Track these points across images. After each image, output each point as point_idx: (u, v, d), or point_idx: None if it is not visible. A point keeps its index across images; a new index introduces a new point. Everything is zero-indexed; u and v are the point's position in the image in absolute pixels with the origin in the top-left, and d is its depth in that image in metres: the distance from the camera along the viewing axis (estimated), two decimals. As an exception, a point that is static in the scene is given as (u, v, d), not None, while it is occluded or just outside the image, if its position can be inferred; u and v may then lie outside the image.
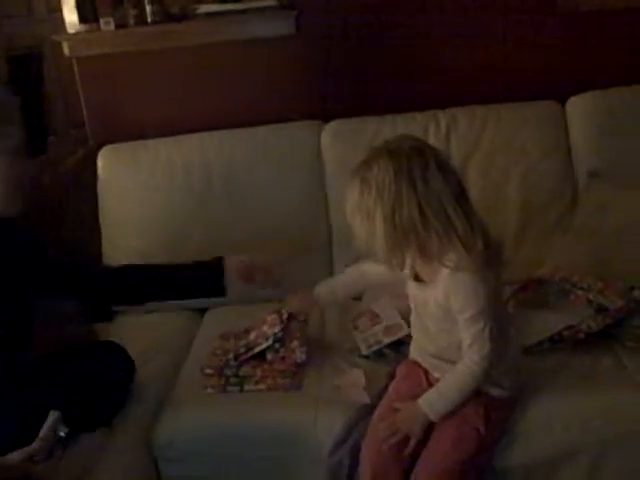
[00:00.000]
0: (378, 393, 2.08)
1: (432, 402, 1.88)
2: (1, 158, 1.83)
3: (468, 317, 1.80)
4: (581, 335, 2.17)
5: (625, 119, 2.64)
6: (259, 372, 2.18)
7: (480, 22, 2.75)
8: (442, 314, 1.86)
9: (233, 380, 2.17)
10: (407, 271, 1.90)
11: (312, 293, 2.19)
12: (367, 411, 2.04)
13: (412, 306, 1.99)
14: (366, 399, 2.08)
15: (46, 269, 2.07)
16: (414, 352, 2.06)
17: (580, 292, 2.31)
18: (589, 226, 2.53)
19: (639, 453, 2.02)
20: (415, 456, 1.93)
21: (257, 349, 2.21)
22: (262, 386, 2.15)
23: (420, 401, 1.88)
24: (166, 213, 2.68)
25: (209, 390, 2.16)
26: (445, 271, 1.80)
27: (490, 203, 2.54)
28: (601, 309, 2.23)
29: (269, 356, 2.21)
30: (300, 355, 2.22)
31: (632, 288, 2.30)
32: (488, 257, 1.76)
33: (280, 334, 2.23)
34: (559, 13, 2.72)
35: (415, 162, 1.73)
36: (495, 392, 1.93)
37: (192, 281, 2.15)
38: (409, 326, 2.11)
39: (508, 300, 2.32)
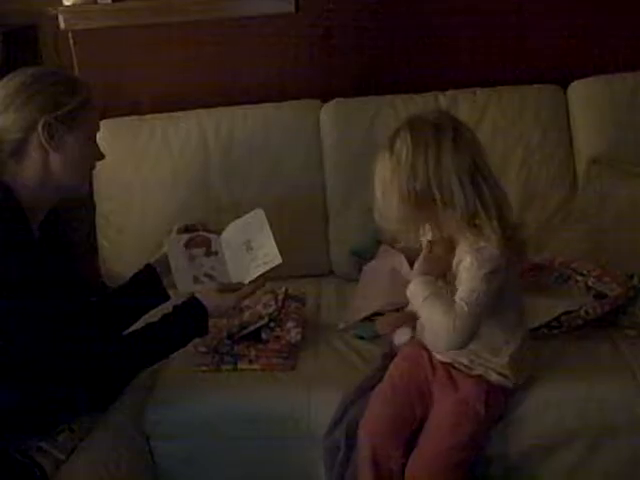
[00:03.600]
0: (374, 373, 2.07)
1: (416, 292, 1.83)
2: (81, 138, 1.88)
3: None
4: (579, 321, 2.16)
5: (628, 106, 2.60)
6: (253, 351, 2.16)
7: (484, 3, 2.72)
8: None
9: (227, 359, 2.15)
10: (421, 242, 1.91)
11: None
12: (362, 391, 2.03)
13: None
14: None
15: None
16: (420, 330, 2.01)
17: (579, 278, 2.30)
18: (589, 213, 2.51)
19: (634, 442, 2.01)
20: (414, 433, 1.93)
21: (252, 327, 2.19)
22: (256, 365, 2.13)
23: (412, 283, 1.84)
24: (163, 190, 2.64)
25: (202, 368, 2.14)
26: (460, 247, 1.81)
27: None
28: (600, 296, 2.22)
29: (264, 335, 2.20)
30: (295, 336, 2.21)
31: (631, 276, 2.29)
32: (504, 240, 1.76)
33: (275, 313, 2.22)
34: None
35: (431, 138, 1.75)
36: (497, 379, 1.92)
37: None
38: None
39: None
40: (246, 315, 2.23)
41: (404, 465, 1.92)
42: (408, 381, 1.97)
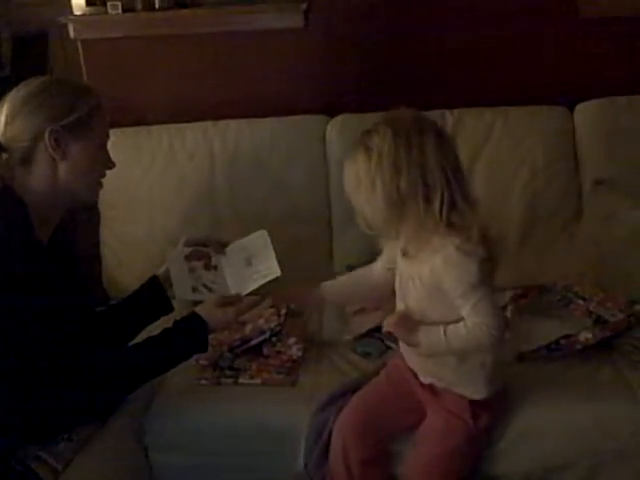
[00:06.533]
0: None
1: (432, 338, 1.81)
2: (89, 146, 1.89)
3: (461, 292, 1.75)
4: (578, 346, 2.14)
5: (634, 128, 2.60)
6: (254, 366, 2.16)
7: (494, 22, 2.73)
8: (424, 291, 1.82)
9: (228, 372, 2.15)
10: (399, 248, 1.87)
11: (313, 287, 2.09)
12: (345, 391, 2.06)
13: (397, 286, 1.92)
14: None
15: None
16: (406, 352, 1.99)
17: (581, 302, 2.30)
18: (594, 235, 2.51)
19: (635, 467, 1.99)
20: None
21: (254, 342, 2.19)
22: (257, 380, 2.13)
23: (420, 340, 1.81)
24: (167, 200, 2.65)
25: (203, 381, 2.14)
26: (433, 245, 1.76)
27: (493, 208, 2.51)
28: (600, 321, 2.22)
29: (265, 350, 2.20)
30: (296, 352, 2.21)
31: (633, 302, 2.28)
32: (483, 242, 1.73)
33: (278, 328, 2.22)
34: (579, 18, 2.70)
35: (413, 130, 1.72)
36: (471, 394, 1.89)
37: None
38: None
39: (507, 305, 2.31)
40: (248, 329, 2.23)
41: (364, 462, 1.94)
42: (397, 390, 1.98)
